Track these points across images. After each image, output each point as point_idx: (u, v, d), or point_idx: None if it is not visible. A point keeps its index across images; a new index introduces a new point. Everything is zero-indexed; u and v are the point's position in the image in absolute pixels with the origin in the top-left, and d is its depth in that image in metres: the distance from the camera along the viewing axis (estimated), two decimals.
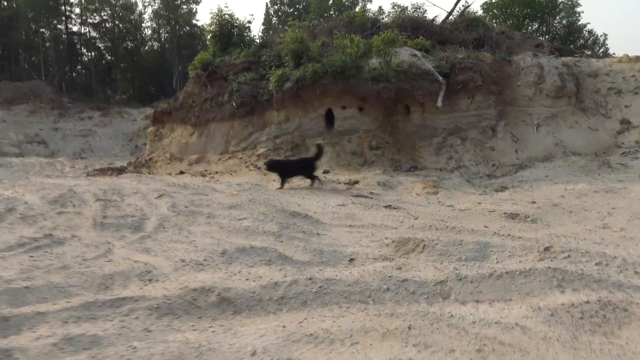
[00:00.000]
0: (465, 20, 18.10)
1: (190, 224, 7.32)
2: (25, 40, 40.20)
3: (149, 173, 15.25)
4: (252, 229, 6.68)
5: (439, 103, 13.60)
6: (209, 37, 18.92)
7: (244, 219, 7.39)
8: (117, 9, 43.52)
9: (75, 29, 43.82)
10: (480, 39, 17.16)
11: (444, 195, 9.28)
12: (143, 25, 45.83)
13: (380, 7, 18.82)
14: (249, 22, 19.50)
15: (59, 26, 43.01)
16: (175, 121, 17.38)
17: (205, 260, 4.80)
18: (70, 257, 4.92)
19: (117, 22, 44.14)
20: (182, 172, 14.41)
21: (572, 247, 4.80)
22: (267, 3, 43.30)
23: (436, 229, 6.41)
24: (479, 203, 8.22)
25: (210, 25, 18.76)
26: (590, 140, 13.69)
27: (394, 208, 8.15)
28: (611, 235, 5.58)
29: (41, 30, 40.95)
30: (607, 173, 10.92)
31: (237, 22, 18.93)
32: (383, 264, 4.56)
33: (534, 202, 8.05)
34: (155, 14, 44.89)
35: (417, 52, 14.98)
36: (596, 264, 4.30)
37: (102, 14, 43.44)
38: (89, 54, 45.04)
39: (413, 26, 17.24)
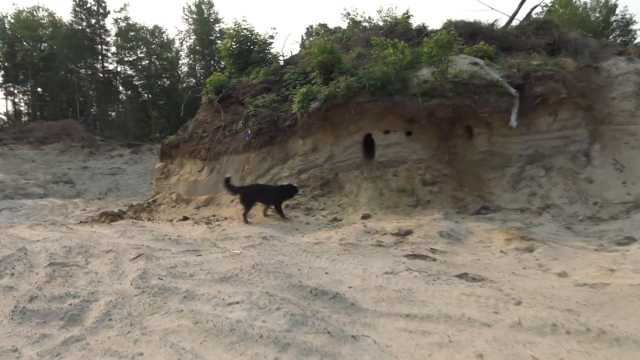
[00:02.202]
0: (534, 23, 15.47)
1: (153, 311, 5.00)
2: (61, 80, 41.27)
3: (149, 219, 13.09)
4: (244, 328, 4.31)
5: (513, 122, 10.92)
6: (224, 56, 17.01)
7: (237, 303, 4.99)
8: (153, 46, 43.62)
9: (111, 67, 44.85)
10: (554, 43, 14.46)
11: (544, 254, 6.51)
12: (180, 62, 45.85)
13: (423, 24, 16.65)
14: (271, 37, 17.39)
15: (95, 65, 44.10)
16: (184, 155, 15.29)
17: None
18: None
19: (154, 60, 44.38)
20: (185, 218, 12.16)
21: None
22: (302, 36, 42.43)
23: (567, 331, 3.76)
24: (612, 271, 5.44)
25: (226, 42, 16.85)
26: None
27: (475, 280, 5.50)
28: None
29: (77, 68, 42.13)
30: None
31: (257, 37, 16.97)
32: None
33: None
34: (191, 50, 44.73)
35: (478, 60, 12.45)
36: None
37: (138, 51, 43.77)
38: (126, 92, 45.43)
39: (468, 32, 14.73)
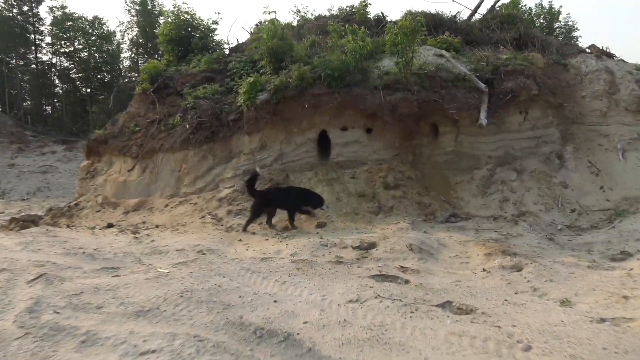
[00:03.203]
0: (499, 17, 14.83)
1: None
2: None
3: (68, 226, 11.46)
4: None
5: (483, 120, 10.10)
6: (161, 42, 15.43)
7: (153, 352, 3.77)
8: (92, 38, 40.93)
9: (45, 58, 41.93)
10: (520, 38, 13.87)
11: (535, 274, 5.56)
12: (122, 55, 43.27)
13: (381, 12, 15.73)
14: (215, 22, 15.90)
15: (28, 55, 41.11)
16: (113, 152, 13.64)
17: None
18: None
19: (93, 52, 41.53)
20: (110, 225, 10.62)
21: None
22: (250, 29, 40.97)
23: None
24: (626, 298, 4.53)
25: (164, 26, 15.29)
26: None
27: (462, 311, 4.48)
28: None
29: (7, 58, 39.05)
30: None
31: (200, 22, 15.51)
32: None
33: None
34: (133, 43, 42.27)
35: (444, 52, 11.61)
36: None
37: (75, 43, 41.03)
38: (62, 85, 42.51)
39: (431, 23, 13.89)
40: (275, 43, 11.09)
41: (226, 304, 4.74)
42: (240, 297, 4.98)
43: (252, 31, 15.37)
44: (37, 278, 5.95)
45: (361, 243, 7.17)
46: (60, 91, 43.15)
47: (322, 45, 12.49)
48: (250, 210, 8.92)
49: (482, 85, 10.52)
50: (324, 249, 7.10)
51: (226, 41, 18.82)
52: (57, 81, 43.26)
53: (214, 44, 15.71)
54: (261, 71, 11.61)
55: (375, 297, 4.86)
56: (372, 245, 7.09)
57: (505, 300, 4.78)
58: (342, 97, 10.31)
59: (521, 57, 11.70)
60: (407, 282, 5.45)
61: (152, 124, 12.91)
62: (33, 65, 41.69)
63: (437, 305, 4.66)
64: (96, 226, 10.86)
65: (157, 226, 9.86)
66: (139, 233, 9.30)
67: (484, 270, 5.92)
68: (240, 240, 8.17)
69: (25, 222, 12.03)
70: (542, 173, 10.04)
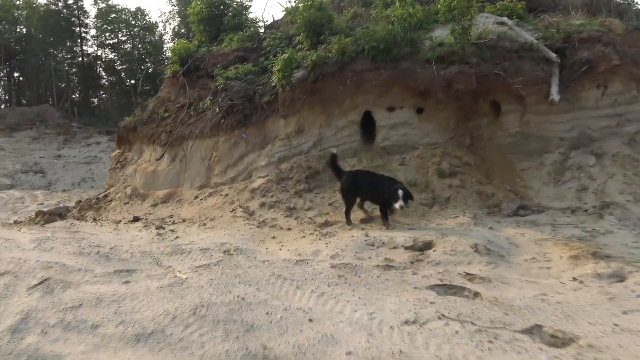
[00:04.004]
0: None
1: None
2: (38, 64, 39.85)
3: (95, 219, 10.92)
4: None
5: (555, 96, 8.79)
6: (192, 21, 14.66)
7: None
8: (136, 29, 41.49)
9: (90, 50, 43.17)
10: (592, 2, 12.29)
11: None
12: (165, 46, 43.51)
13: None
14: None
15: (75, 48, 42.22)
16: (143, 140, 13.03)
17: None
18: None
19: (136, 43, 42.22)
20: (136, 219, 9.97)
21: None
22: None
23: None
24: None
25: (195, 5, 14.49)
26: None
27: (559, 340, 3.42)
28: None
29: (54, 52, 40.48)
30: None
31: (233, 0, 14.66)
32: None
33: None
34: (175, 34, 42.43)
35: (505, 19, 10.28)
36: None
37: (120, 35, 41.84)
38: (108, 77, 43.59)
39: None
40: (312, 14, 10.06)
41: (249, 325, 3.83)
42: (267, 313, 4.07)
43: (288, 6, 14.37)
44: (39, 284, 5.26)
45: (415, 242, 6.12)
46: (107, 83, 44.04)
47: (365, 17, 11.39)
48: (342, 198, 7.73)
49: (553, 55, 9.18)
50: (370, 249, 6.09)
51: (261, 19, 17.88)
52: (103, 73, 44.39)
53: (247, 22, 14.81)
54: (297, 47, 10.61)
55: (439, 318, 3.84)
56: (429, 245, 6.02)
57: (615, 325, 3.65)
58: (388, 73, 9.18)
59: (597, 22, 10.21)
60: (476, 295, 4.38)
61: (182, 109, 12.18)
62: (79, 59, 42.68)
63: (522, 331, 3.59)
64: (122, 220, 10.24)
65: (184, 220, 9.09)
66: (163, 228, 8.55)
67: (574, 279, 4.76)
68: (273, 237, 7.27)
69: (52, 216, 11.56)
70: (627, 157, 8.64)
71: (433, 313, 3.93)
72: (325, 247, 6.37)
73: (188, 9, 15.29)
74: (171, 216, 9.67)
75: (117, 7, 41.67)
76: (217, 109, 10.77)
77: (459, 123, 9.51)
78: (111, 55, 43.20)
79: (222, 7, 14.69)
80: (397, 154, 9.23)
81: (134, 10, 42.68)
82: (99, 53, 43.46)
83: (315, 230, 7.31)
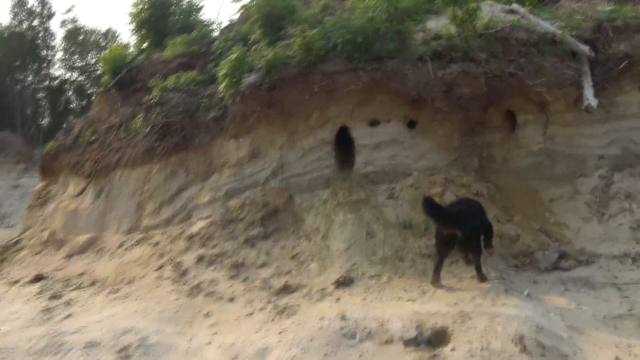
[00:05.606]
0: None
1: None
2: (1, 90, 37.58)
3: None
4: None
5: (592, 101, 6.83)
6: (132, 25, 12.56)
7: None
8: (104, 52, 40.55)
9: (58, 74, 40.73)
10: None
11: None
12: None
13: None
14: None
15: (42, 71, 40.08)
16: (66, 171, 10.79)
17: None
18: None
19: None
20: (37, 279, 7.71)
21: None
22: None
23: None
24: None
25: (135, 7, 12.36)
26: None
27: None
28: None
29: (18, 75, 38.18)
30: None
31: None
32: None
33: None
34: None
35: (515, 7, 8.35)
36: None
37: (89, 56, 40.50)
38: (80, 102, 42.14)
39: None
40: (270, 6, 8.01)
41: None
42: None
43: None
44: None
45: (420, 330, 3.95)
46: (77, 107, 42.41)
47: (338, 10, 9.38)
48: (436, 248, 5.48)
49: (586, 48, 7.24)
50: (348, 345, 3.91)
51: (215, 20, 15.87)
52: (73, 97, 42.75)
53: (198, 24, 12.74)
54: (254, 47, 8.53)
55: None
56: (442, 337, 3.87)
57: None
58: (369, 75, 7.09)
59: (630, 9, 8.35)
60: None
61: (110, 130, 9.98)
62: (45, 82, 40.89)
63: None
64: (22, 279, 7.94)
65: (94, 283, 6.83)
66: (60, 297, 6.30)
67: None
68: (207, 314, 5.06)
69: None
70: None
71: None
72: (279, 338, 4.17)
73: (127, 12, 13.21)
74: (82, 274, 7.39)
75: (84, 28, 40.33)
76: (149, 128, 8.59)
77: (464, 140, 7.45)
78: (80, 78, 41.75)
79: (168, 7, 12.61)
80: (384, 183, 7.10)
81: (104, 31, 41.37)
82: (67, 76, 41.66)
83: (269, 302, 5.12)
